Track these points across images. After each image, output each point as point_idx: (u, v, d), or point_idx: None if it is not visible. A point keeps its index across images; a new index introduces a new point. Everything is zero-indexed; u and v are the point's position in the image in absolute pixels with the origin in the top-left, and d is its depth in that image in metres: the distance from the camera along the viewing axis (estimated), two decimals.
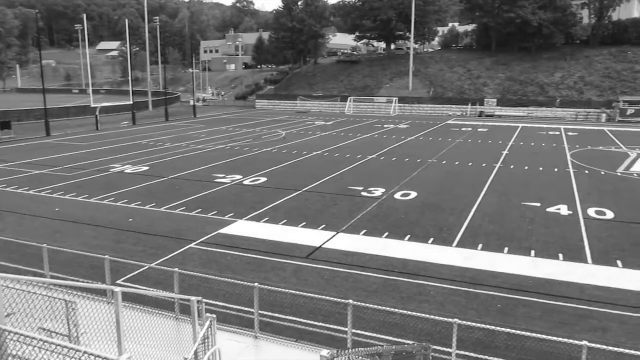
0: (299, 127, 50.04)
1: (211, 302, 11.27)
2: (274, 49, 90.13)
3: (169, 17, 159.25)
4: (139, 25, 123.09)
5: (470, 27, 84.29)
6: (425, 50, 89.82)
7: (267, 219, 18.56)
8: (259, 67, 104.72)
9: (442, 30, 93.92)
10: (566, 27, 69.85)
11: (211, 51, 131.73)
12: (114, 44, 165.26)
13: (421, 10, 74.72)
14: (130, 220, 18.55)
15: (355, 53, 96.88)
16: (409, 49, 76.76)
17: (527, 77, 67.58)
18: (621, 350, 8.60)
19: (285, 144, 37.37)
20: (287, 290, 10.62)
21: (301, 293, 10.60)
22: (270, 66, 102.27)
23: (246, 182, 24.58)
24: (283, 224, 17.92)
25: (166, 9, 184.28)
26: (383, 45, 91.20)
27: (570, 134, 44.80)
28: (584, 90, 63.90)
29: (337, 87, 76.16)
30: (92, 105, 49.39)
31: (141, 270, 13.51)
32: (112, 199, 21.35)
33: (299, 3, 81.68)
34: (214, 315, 8.09)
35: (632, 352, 8.49)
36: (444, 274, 13.57)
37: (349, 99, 69.36)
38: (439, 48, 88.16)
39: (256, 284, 9.74)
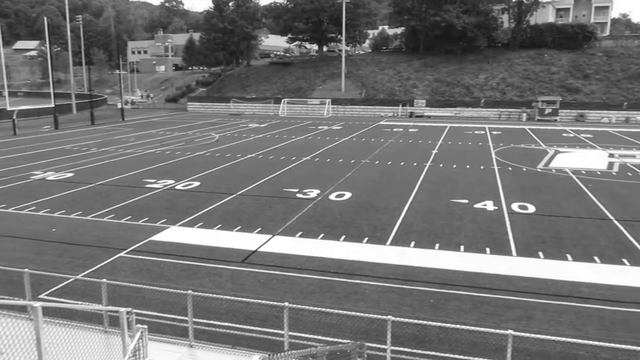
0: (232, 129, 49.43)
1: (143, 312, 10.89)
2: (205, 50, 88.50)
3: (93, 16, 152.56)
4: (59, 23, 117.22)
5: (399, 30, 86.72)
6: (357, 52, 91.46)
7: (201, 223, 18.18)
8: (190, 68, 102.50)
9: (372, 33, 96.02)
10: (488, 31, 73.42)
11: (139, 52, 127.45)
12: (32, 43, 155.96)
13: (351, 13, 75.94)
14: (54, 230, 17.58)
15: (288, 55, 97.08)
16: (340, 50, 77.81)
17: (454, 79, 70.33)
18: (543, 336, 9.11)
19: (219, 147, 36.80)
20: (222, 296, 10.42)
21: (237, 298, 10.45)
22: (201, 67, 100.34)
23: (179, 187, 23.97)
24: (218, 229, 17.62)
25: (89, 7, 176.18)
26: (315, 47, 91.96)
27: (494, 132, 47.02)
28: (506, 90, 67.35)
29: (270, 89, 75.95)
30: (8, 109, 46.40)
31: (66, 282, 12.83)
32: (32, 208, 20.15)
33: (230, 4, 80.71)
34: (145, 326, 7.82)
35: (553, 337, 9.00)
36: (378, 272, 13.84)
37: (283, 100, 69.37)
38: (370, 50, 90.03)
39: (189, 291, 9.49)
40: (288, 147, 37.32)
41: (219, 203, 20.95)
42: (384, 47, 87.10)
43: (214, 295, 10.43)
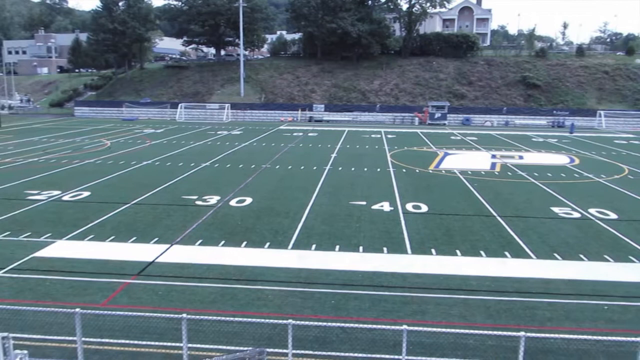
0: (126, 135, 47.06)
1: (24, 336, 9.98)
2: (94, 52, 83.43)
3: None
4: None
5: (297, 36, 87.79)
6: (255, 56, 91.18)
7: (92, 236, 17.07)
8: (76, 70, 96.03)
9: (270, 38, 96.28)
10: (381, 39, 76.58)
11: (17, 52, 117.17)
12: None
13: (249, 17, 75.61)
14: None
15: (184, 58, 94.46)
16: (238, 55, 77.10)
17: (350, 84, 72.49)
18: (436, 329, 9.64)
19: (111, 154, 34.85)
20: (116, 312, 9.85)
21: (132, 313, 9.92)
22: (90, 70, 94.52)
23: (66, 198, 22.34)
24: (111, 241, 16.65)
25: None
26: (213, 50, 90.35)
27: (389, 136, 49.08)
28: (399, 96, 70.63)
29: (166, 93, 73.37)
30: None
31: None
32: None
33: (120, 3, 76.79)
34: (25, 351, 7.18)
35: (445, 329, 9.55)
36: (280, 277, 13.85)
37: (180, 105, 67.29)
38: (269, 55, 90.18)
39: (77, 310, 8.85)
40: (186, 153, 36.26)
41: (112, 213, 19.82)
42: (283, 52, 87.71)
43: (107, 312, 9.83)
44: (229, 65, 79.34)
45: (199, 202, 21.72)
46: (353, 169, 30.36)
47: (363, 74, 74.59)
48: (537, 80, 70.57)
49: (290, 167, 30.80)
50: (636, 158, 36.79)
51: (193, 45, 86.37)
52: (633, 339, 8.49)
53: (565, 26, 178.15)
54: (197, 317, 9.30)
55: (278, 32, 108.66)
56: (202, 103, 69.06)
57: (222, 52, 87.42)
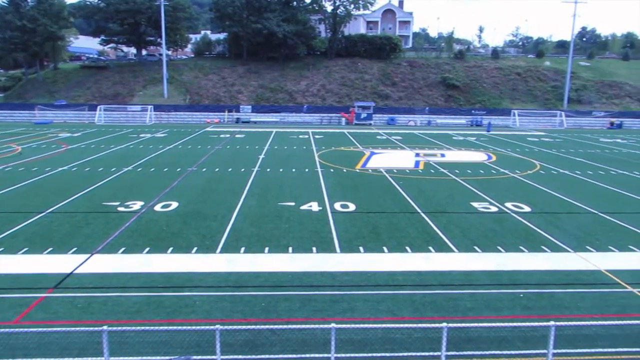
0: (39, 140, 44.31)
1: None
2: (0, 51, 77.86)
3: None
4: None
5: (222, 36, 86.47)
6: (179, 57, 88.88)
7: (1, 249, 15.92)
8: None
9: (194, 38, 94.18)
10: (307, 39, 77.15)
11: None
12: None
13: (171, 16, 73.55)
14: None
15: (102, 58, 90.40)
16: (161, 55, 74.80)
17: (277, 85, 72.42)
18: (365, 325, 9.83)
19: (22, 161, 32.68)
20: (31, 330, 9.26)
21: (50, 329, 9.35)
22: None
23: None
24: (24, 253, 15.60)
25: None
26: (133, 50, 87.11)
27: (317, 136, 49.48)
28: (326, 96, 71.42)
29: (83, 95, 69.90)
30: None
31: None
32: None
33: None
34: None
35: (373, 325, 9.77)
36: (209, 282, 13.57)
37: (99, 107, 64.23)
38: (193, 55, 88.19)
39: None
40: (107, 157, 34.69)
41: (25, 224, 18.59)
42: (207, 52, 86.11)
43: (21, 330, 9.20)
44: (151, 65, 76.80)
45: (121, 209, 20.84)
46: (281, 170, 30.33)
47: (290, 74, 74.77)
48: (456, 81, 73.86)
49: (217, 169, 30.28)
50: (547, 154, 39.39)
51: (112, 45, 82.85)
52: (545, 323, 9.07)
53: (481, 30, 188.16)
54: (121, 328, 8.92)
55: (202, 32, 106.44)
56: (123, 105, 66.41)
57: (144, 52, 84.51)
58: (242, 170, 30.01)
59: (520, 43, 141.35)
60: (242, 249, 16.13)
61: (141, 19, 73.57)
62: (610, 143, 48.24)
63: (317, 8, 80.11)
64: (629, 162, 35.85)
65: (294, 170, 30.33)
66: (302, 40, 75.72)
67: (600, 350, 10.37)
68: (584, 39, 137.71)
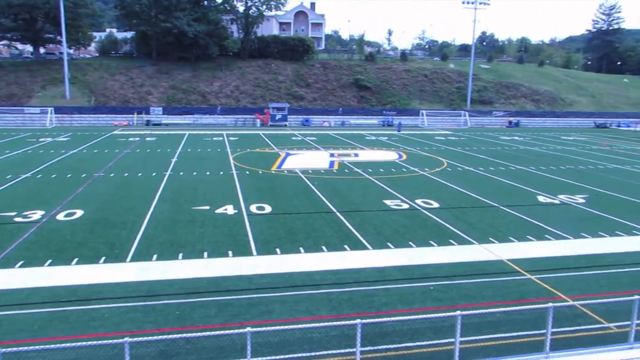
0: None
1: None
2: None
3: None
4: None
5: (129, 34, 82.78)
6: (82, 56, 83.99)
7: None
8: None
9: (98, 36, 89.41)
10: (219, 40, 75.78)
11: None
12: None
13: (72, 13, 69.22)
14: None
15: None
16: (61, 53, 70.24)
17: (189, 86, 70.55)
18: (283, 327, 9.82)
19: None
20: None
21: None
22: None
23: None
24: None
25: None
26: (30, 48, 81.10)
27: (231, 138, 48.81)
28: (240, 98, 70.63)
29: None
30: None
31: None
32: None
33: None
34: None
35: (291, 326, 9.78)
36: (118, 293, 12.92)
37: None
38: (97, 54, 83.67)
39: None
40: (0, 163, 32.03)
41: None
42: (114, 52, 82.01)
43: None
44: (51, 64, 71.82)
45: (18, 219, 19.32)
46: (195, 173, 29.58)
47: (202, 75, 73.14)
48: (367, 82, 75.89)
49: (126, 174, 28.95)
50: (453, 152, 41.52)
51: (5, 42, 76.63)
52: (452, 314, 9.53)
53: (390, 33, 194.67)
54: (19, 348, 8.24)
55: (107, 30, 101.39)
56: (19, 107, 61.59)
57: (42, 50, 78.98)
58: (154, 174, 28.92)
59: (426, 46, 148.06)
60: (155, 257, 15.53)
61: (38, 14, 68.55)
62: (509, 140, 51.76)
63: (228, 8, 78.99)
64: (526, 158, 38.66)
65: (208, 173, 29.70)
66: (214, 40, 74.28)
67: (503, 335, 11.07)
68: (484, 43, 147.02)
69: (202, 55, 74.73)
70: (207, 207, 21.51)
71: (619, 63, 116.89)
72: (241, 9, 79.54)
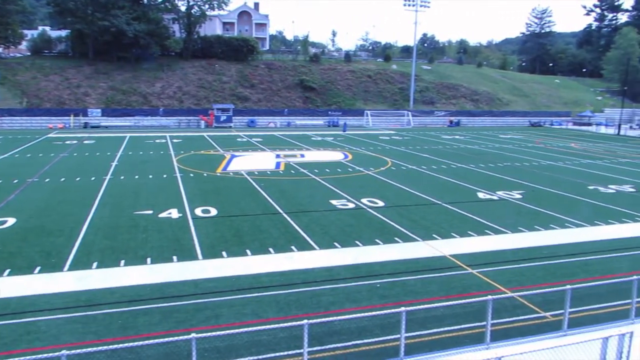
0: None
1: None
2: None
3: None
4: None
5: (64, 33, 79.28)
6: (12, 54, 79.66)
7: None
8: None
9: (30, 34, 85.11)
10: (161, 39, 73.93)
11: None
12: None
13: (0, 9, 65.61)
14: None
15: None
16: None
17: (130, 87, 68.45)
18: (230, 331, 9.65)
19: None
20: None
21: None
22: None
23: None
24: None
25: None
26: None
27: (175, 140, 47.73)
28: (183, 99, 69.20)
29: None
30: None
31: None
32: None
33: None
34: None
35: (238, 330, 9.64)
36: (55, 304, 12.34)
37: None
38: (29, 53, 79.62)
39: None
40: None
41: None
42: (47, 51, 78.28)
43: None
44: None
45: None
46: (137, 176, 28.72)
47: (143, 76, 71.10)
48: (313, 83, 76.19)
49: (63, 179, 27.74)
50: (397, 151, 42.34)
51: None
52: (397, 310, 9.72)
53: (334, 34, 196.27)
54: None
55: (40, 28, 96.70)
56: None
57: None
58: (93, 179, 27.86)
59: (370, 47, 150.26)
60: (95, 264, 14.95)
61: None
62: (450, 139, 53.35)
63: (169, 7, 77.22)
64: (466, 156, 39.97)
65: (150, 176, 28.91)
66: (155, 40, 72.36)
67: (447, 328, 11.39)
68: (425, 45, 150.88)
69: (142, 55, 72.65)
70: (150, 212, 20.93)
71: (550, 64, 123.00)
72: (183, 8, 78.02)
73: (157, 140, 47.41)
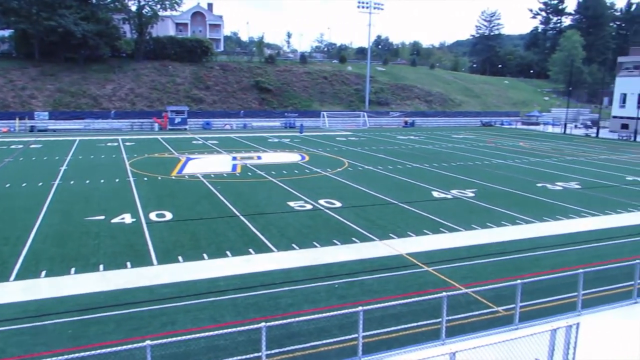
0: None
1: None
2: None
3: None
4: None
5: (6, 33, 75.91)
6: None
7: None
8: None
9: None
10: (111, 40, 71.91)
11: None
12: None
13: None
14: None
15: None
16: None
17: (79, 89, 66.29)
18: (187, 337, 9.50)
19: None
20: None
21: None
22: None
23: None
24: None
25: None
26: None
27: (127, 143, 46.54)
28: (135, 101, 67.57)
29: None
30: None
31: None
32: None
33: None
34: None
35: (195, 335, 9.50)
36: (1, 315, 11.80)
37: None
38: None
39: None
40: None
41: None
42: None
43: None
44: None
45: None
46: (88, 181, 27.85)
47: (93, 77, 68.97)
48: (268, 84, 75.89)
49: (8, 185, 26.58)
50: (353, 152, 42.71)
51: None
52: (355, 309, 9.80)
53: (289, 35, 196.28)
54: None
55: None
56: None
57: None
58: (40, 184, 26.81)
59: (325, 49, 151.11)
60: (43, 273, 14.39)
61: None
62: (405, 140, 54.24)
63: (119, 7, 75.18)
64: (421, 156, 40.74)
65: (102, 181, 28.09)
66: (105, 40, 70.29)
67: (404, 326, 11.57)
68: (380, 47, 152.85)
69: (92, 56, 70.49)
70: (102, 217, 20.33)
71: (500, 66, 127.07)
72: (134, 8, 76.15)
73: (109, 144, 46.11)
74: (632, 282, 13.11)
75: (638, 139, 59.19)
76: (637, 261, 12.94)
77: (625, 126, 66.69)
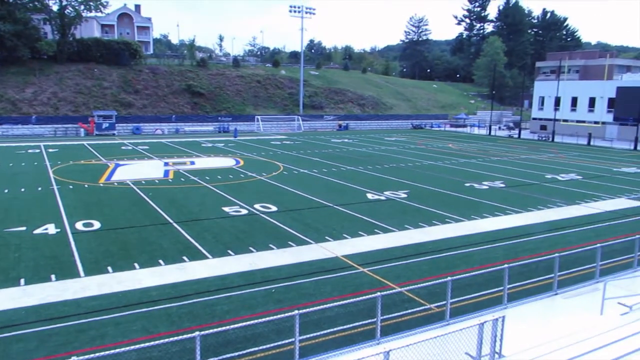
0: None
1: None
2: None
3: None
4: None
5: None
6: None
7: None
8: None
9: None
10: (30, 41, 67.98)
11: None
12: None
13: None
14: None
15: None
16: None
17: None
18: (115, 350, 9.10)
19: None
20: None
21: None
22: None
23: None
24: None
25: None
26: None
27: (50, 150, 44.18)
28: (59, 105, 64.27)
29: None
30: None
31: None
32: None
33: None
34: None
35: (126, 348, 9.12)
36: None
37: None
38: None
39: None
40: None
41: None
42: None
43: None
44: None
45: None
46: (6, 190, 26.17)
47: (11, 80, 64.93)
48: (201, 88, 74.46)
49: None
50: (288, 156, 42.71)
51: None
52: (291, 313, 9.79)
53: (221, 39, 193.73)
54: None
55: None
56: None
57: None
58: None
59: (258, 53, 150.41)
60: None
61: None
62: (339, 143, 54.90)
63: (39, 6, 71.20)
64: (355, 159, 41.38)
65: (23, 189, 26.49)
66: (24, 41, 66.35)
67: (341, 327, 11.67)
68: (313, 51, 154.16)
69: (9, 58, 66.28)
70: (23, 228, 19.16)
71: (428, 70, 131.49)
72: (55, 8, 72.38)
73: (30, 151, 43.57)
74: (552, 275, 13.91)
75: (556, 139, 63.07)
76: (556, 255, 13.76)
77: (544, 127, 70.96)
